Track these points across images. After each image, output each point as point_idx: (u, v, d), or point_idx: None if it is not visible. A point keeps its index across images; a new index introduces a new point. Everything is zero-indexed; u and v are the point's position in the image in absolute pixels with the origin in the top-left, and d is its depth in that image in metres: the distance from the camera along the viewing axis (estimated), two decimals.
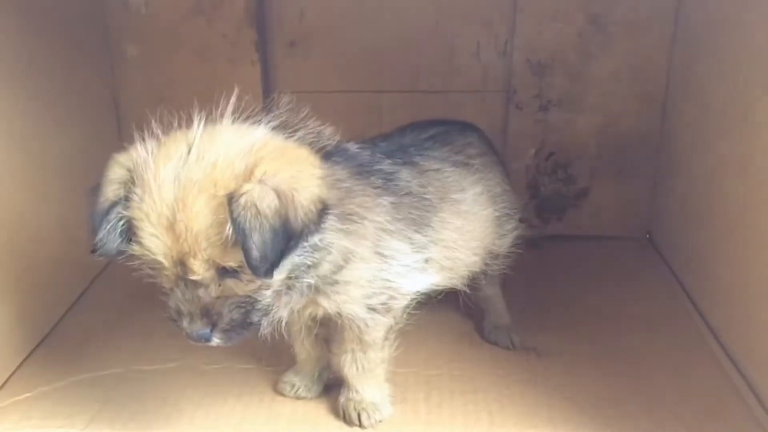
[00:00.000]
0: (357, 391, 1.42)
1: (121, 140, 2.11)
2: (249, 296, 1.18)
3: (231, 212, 1.07)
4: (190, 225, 1.09)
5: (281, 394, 1.51)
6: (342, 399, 1.44)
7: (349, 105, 2.11)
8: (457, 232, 1.44)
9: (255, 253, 1.07)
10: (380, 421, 1.42)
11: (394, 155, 1.40)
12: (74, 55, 1.88)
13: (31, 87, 1.68)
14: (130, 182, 1.16)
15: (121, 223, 1.16)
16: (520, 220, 1.62)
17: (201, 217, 1.09)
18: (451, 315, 1.77)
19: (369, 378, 1.42)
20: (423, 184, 1.40)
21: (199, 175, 1.11)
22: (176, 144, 1.16)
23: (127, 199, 1.15)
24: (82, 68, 1.93)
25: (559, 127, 2.13)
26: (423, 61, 2.09)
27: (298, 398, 1.50)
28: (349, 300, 1.29)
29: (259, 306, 1.19)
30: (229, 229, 1.08)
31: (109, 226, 1.15)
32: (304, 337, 1.47)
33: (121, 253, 1.17)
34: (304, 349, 1.49)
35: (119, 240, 1.16)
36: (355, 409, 1.42)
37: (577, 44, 2.04)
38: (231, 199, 1.08)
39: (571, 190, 2.20)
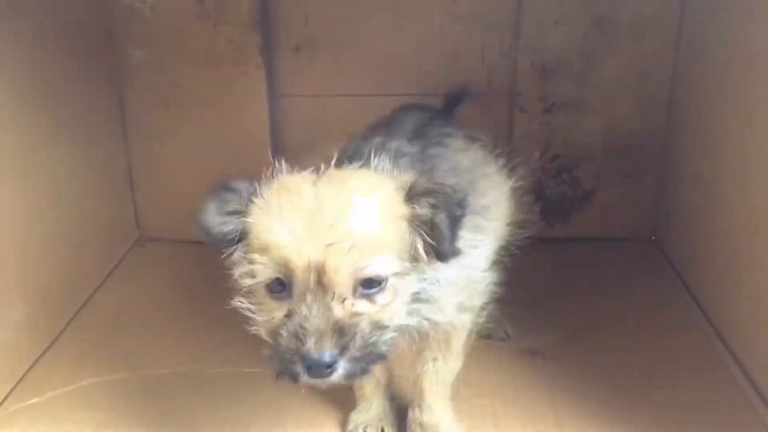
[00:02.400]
0: (431, 411, 1.35)
1: (127, 144, 2.16)
2: (381, 321, 1.04)
3: (417, 203, 1.04)
4: (341, 219, 0.99)
5: None
6: (413, 423, 1.37)
7: (354, 109, 2.11)
8: (496, 206, 1.40)
9: (447, 236, 1.04)
10: None
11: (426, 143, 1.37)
12: (80, 59, 1.89)
13: (37, 92, 1.68)
14: (246, 201, 1.07)
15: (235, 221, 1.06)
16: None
17: (363, 215, 1.01)
18: None
19: (443, 393, 1.35)
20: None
21: (362, 181, 1.06)
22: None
23: (240, 212, 1.07)
24: (87, 72, 1.94)
25: (564, 129, 2.13)
26: (427, 65, 2.09)
27: None
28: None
29: (389, 334, 1.05)
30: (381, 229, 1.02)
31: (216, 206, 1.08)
32: None
33: (228, 242, 1.07)
34: (372, 379, 1.36)
35: (229, 232, 1.06)
36: None
37: (582, 47, 2.04)
38: (412, 192, 1.05)
39: (577, 192, 2.20)
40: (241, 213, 1.07)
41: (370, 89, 2.13)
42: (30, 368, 1.62)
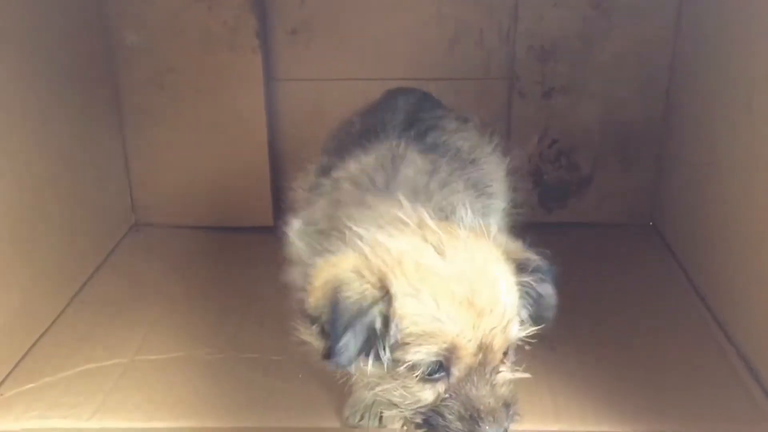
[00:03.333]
0: None
1: (122, 128, 2.14)
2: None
3: (524, 276, 1.06)
4: (495, 299, 1.00)
5: (355, 427, 1.39)
6: None
7: (351, 93, 2.10)
8: (498, 186, 1.43)
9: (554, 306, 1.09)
10: None
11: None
12: (74, 41, 1.87)
13: (31, 76, 1.67)
14: (381, 283, 0.99)
15: (376, 324, 0.99)
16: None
17: (505, 289, 1.02)
18: None
19: None
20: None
21: (482, 248, 1.04)
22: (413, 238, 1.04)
23: (382, 299, 0.99)
24: (82, 55, 1.92)
25: (562, 114, 2.11)
26: (425, 49, 2.08)
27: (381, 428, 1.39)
28: None
29: None
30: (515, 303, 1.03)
31: (359, 329, 0.97)
32: None
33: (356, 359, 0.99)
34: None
35: (362, 345, 0.98)
36: None
37: (581, 30, 2.03)
38: (529, 267, 1.06)
39: (574, 177, 2.19)
40: (374, 308, 0.99)
41: (367, 73, 2.11)
42: (26, 354, 1.61)
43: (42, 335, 1.68)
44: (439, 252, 1.01)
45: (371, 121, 1.42)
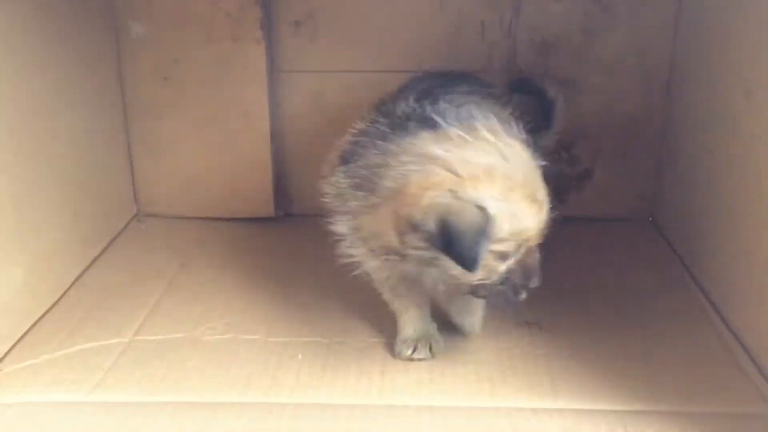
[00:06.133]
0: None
1: (126, 118, 2.15)
2: None
3: None
4: (544, 191, 1.30)
5: (410, 359, 1.52)
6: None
7: (354, 85, 2.12)
8: None
9: None
10: None
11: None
12: (79, 31, 1.89)
13: (36, 65, 1.68)
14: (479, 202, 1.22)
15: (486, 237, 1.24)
16: None
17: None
18: None
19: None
20: None
21: (522, 149, 1.32)
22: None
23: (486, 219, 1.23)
24: (86, 45, 1.93)
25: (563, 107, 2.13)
26: (428, 41, 2.09)
27: (432, 357, 1.53)
28: None
29: None
30: None
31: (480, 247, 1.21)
32: (405, 285, 1.50)
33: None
34: (412, 299, 1.53)
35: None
36: None
37: (582, 24, 2.04)
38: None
39: (575, 171, 2.20)
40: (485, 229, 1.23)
41: (370, 65, 2.13)
42: (27, 332, 1.61)
43: (43, 315, 1.68)
44: (505, 159, 1.25)
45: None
